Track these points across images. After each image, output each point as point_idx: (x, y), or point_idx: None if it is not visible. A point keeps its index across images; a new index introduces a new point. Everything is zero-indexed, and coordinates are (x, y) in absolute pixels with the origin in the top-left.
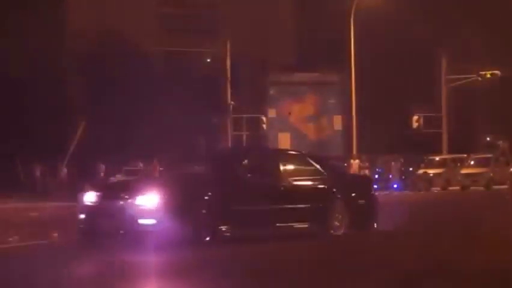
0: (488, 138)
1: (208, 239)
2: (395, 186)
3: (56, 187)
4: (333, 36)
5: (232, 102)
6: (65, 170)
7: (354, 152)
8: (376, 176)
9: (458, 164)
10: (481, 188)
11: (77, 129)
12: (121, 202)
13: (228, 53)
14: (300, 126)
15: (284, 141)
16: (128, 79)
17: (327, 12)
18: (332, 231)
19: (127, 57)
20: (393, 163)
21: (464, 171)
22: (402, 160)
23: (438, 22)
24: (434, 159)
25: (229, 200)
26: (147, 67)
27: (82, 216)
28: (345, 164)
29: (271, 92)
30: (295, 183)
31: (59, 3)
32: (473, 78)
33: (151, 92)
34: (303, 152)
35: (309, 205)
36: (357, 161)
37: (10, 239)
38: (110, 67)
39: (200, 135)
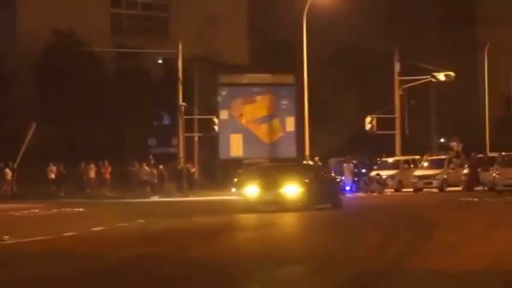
0: (442, 140)
1: None
2: (348, 188)
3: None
4: (287, 37)
5: (184, 104)
6: (10, 172)
7: (307, 153)
8: None
9: (412, 166)
10: (435, 190)
11: (27, 131)
12: None
13: (180, 54)
14: (252, 127)
15: (236, 143)
16: (79, 80)
17: (281, 12)
18: None
19: (78, 58)
20: (345, 165)
21: (417, 173)
22: (355, 162)
23: (394, 23)
24: (387, 160)
25: None
26: (99, 68)
27: None
28: None
29: (223, 93)
30: None
31: (10, 3)
32: (426, 79)
33: (103, 93)
34: None
35: None
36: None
37: None
38: (61, 68)
39: (152, 136)
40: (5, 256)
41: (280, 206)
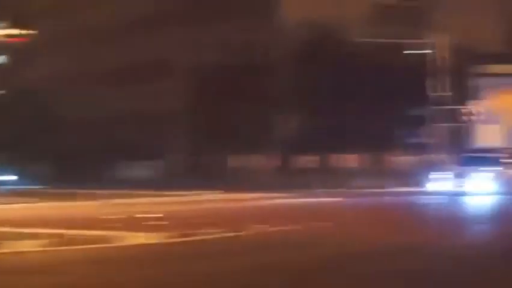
0: None
1: None
2: None
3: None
4: None
5: (439, 94)
6: (267, 162)
7: None
8: None
9: None
10: None
11: (287, 122)
12: None
13: (441, 44)
14: (508, 118)
15: (490, 134)
16: (339, 70)
17: None
18: None
19: (339, 48)
20: None
21: None
22: None
23: None
24: None
25: None
26: (358, 58)
27: None
28: None
29: (477, 83)
30: None
31: None
32: None
33: (359, 83)
34: None
35: None
36: None
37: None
38: (323, 58)
39: (403, 126)
40: (254, 243)
41: None
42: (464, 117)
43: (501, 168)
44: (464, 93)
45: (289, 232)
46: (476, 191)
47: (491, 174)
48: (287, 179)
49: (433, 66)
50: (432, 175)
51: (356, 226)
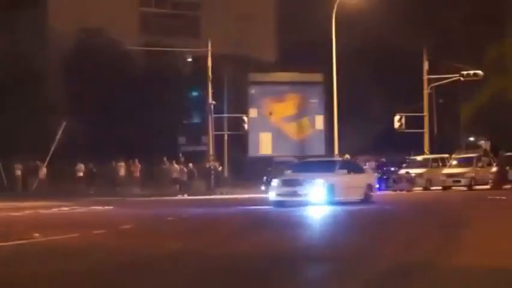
0: (471, 139)
1: None
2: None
3: (36, 186)
4: (316, 35)
5: (213, 102)
6: (44, 170)
7: (336, 152)
8: None
9: (440, 164)
10: (463, 188)
11: (57, 129)
12: None
13: (209, 53)
14: (281, 126)
15: (265, 141)
16: (109, 78)
17: (311, 10)
18: None
19: (107, 57)
20: (368, 163)
21: (446, 171)
22: (383, 160)
23: (422, 21)
24: (416, 159)
25: None
26: (128, 66)
27: None
28: None
29: (253, 91)
30: None
31: (40, 2)
32: (455, 78)
33: (133, 91)
34: None
35: None
36: None
37: None
38: (91, 66)
39: (182, 134)
40: (36, 253)
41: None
42: (241, 126)
43: (333, 176)
44: (241, 102)
45: (65, 241)
46: (307, 199)
47: (322, 182)
48: (60, 187)
49: (207, 75)
50: (272, 182)
51: (132, 234)
